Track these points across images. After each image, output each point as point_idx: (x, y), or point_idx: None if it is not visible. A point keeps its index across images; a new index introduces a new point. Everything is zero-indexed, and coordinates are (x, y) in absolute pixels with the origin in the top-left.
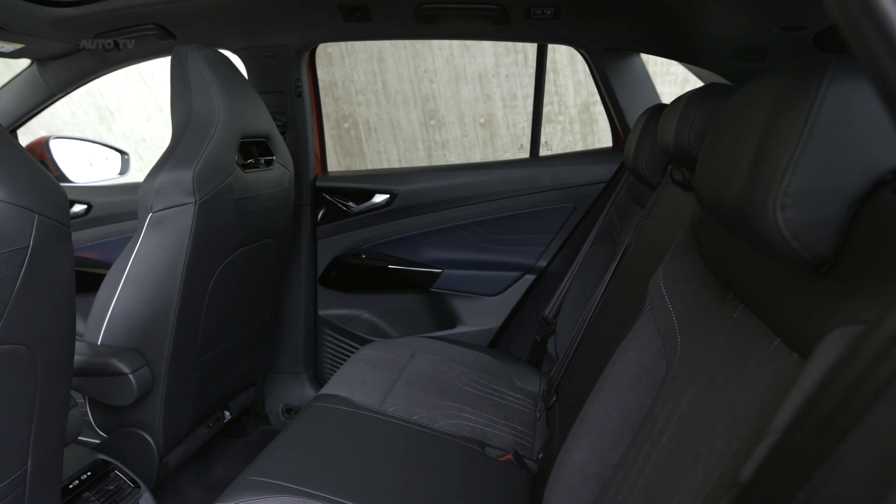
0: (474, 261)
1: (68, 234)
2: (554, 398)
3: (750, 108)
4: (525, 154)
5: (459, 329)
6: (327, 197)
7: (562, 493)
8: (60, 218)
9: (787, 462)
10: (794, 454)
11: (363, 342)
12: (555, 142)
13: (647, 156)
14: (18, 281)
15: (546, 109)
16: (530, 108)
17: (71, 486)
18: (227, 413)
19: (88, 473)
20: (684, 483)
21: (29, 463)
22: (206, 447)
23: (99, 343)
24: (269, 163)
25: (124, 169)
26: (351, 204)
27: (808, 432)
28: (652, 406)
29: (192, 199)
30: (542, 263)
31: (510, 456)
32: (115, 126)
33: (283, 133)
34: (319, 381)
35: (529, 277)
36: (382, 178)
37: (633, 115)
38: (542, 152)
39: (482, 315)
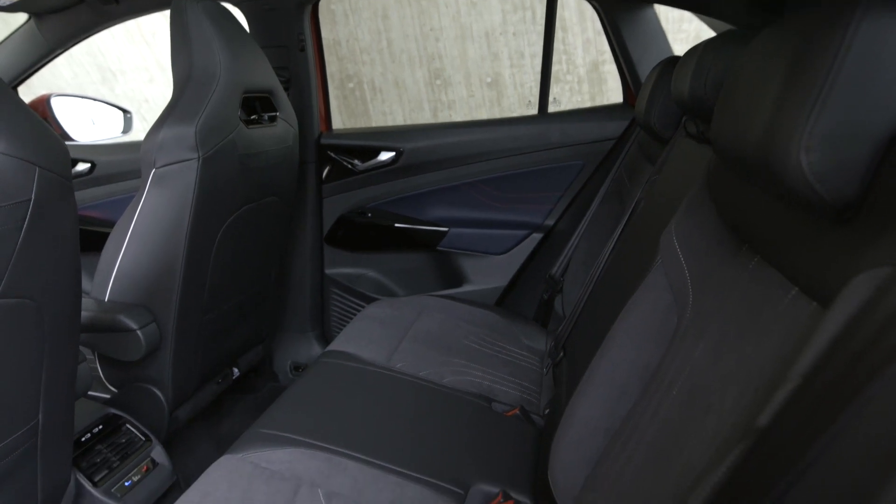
0: (481, 219)
1: (70, 189)
2: (561, 354)
3: (775, 47)
4: (533, 111)
5: (466, 288)
6: (332, 155)
7: (569, 446)
8: (62, 171)
9: (809, 408)
10: (816, 400)
11: (370, 301)
12: (562, 102)
13: (659, 109)
14: (22, 234)
15: (554, 69)
16: (538, 68)
17: (83, 439)
18: (235, 370)
19: (100, 427)
20: (694, 435)
21: (40, 416)
22: (216, 403)
23: (106, 300)
24: (272, 119)
25: (127, 128)
26: (356, 162)
27: (831, 377)
28: (661, 360)
29: (196, 155)
30: (550, 222)
31: (517, 411)
32: (118, 87)
33: (286, 89)
34: (327, 339)
35: (537, 236)
36: (388, 136)
37: (645, 69)
38: (552, 109)
39: (489, 274)
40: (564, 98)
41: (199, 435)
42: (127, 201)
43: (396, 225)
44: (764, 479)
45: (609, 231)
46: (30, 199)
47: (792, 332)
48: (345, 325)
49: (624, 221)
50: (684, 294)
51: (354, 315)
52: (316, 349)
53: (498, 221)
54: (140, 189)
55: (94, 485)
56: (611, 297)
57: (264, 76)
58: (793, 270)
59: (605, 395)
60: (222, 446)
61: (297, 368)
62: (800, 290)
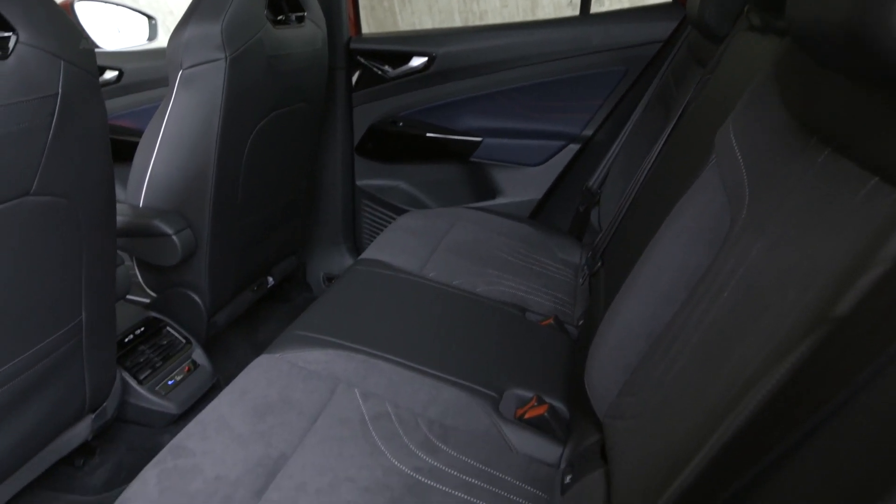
0: (516, 129)
1: (97, 85)
2: (599, 264)
3: None
4: (575, 11)
5: (500, 200)
6: (362, 60)
7: (607, 351)
8: (87, 66)
9: None
10: None
11: (401, 213)
12: (605, 3)
13: (715, 3)
14: (51, 131)
15: None
16: None
17: (126, 341)
18: (270, 278)
19: (142, 329)
20: (747, 335)
21: (83, 314)
22: (252, 310)
23: (140, 206)
24: (300, 19)
25: (152, 35)
26: (387, 68)
27: None
28: (712, 263)
29: (223, 55)
30: (588, 132)
31: (551, 321)
32: None
33: None
34: (358, 251)
35: (574, 147)
36: (420, 40)
37: None
38: (595, 10)
39: (523, 186)
40: (604, 7)
41: (237, 340)
42: (156, 110)
43: (428, 135)
44: (837, 373)
45: (651, 140)
46: (57, 94)
47: (869, 223)
48: (376, 238)
49: (671, 126)
50: (740, 193)
51: (386, 227)
52: (348, 260)
53: (534, 131)
54: (168, 92)
55: (140, 383)
56: (655, 204)
57: None
58: (873, 160)
59: (648, 299)
60: (259, 351)
61: (330, 280)
62: (881, 179)
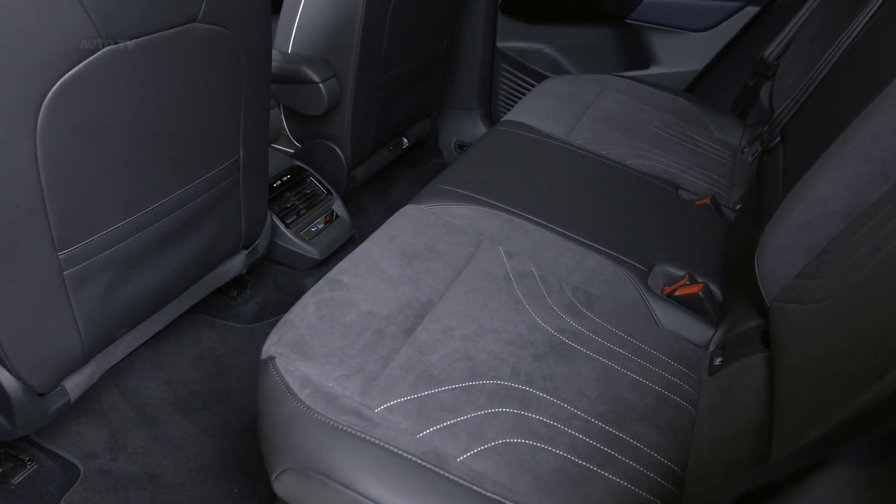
0: None
1: None
2: (777, 139)
3: None
4: None
5: (653, 70)
6: None
7: (790, 228)
8: None
9: None
10: None
11: (541, 80)
12: None
13: None
14: None
15: None
16: None
17: (274, 185)
18: (405, 139)
19: (288, 177)
20: None
21: (241, 152)
22: (385, 173)
23: (289, 52)
24: None
25: None
26: None
27: None
28: None
29: None
30: None
31: (707, 201)
32: None
33: None
34: (492, 119)
35: (752, 10)
36: None
37: None
38: None
39: (683, 54)
40: None
41: (371, 199)
42: None
43: None
44: None
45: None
46: None
47: None
48: (512, 106)
49: None
50: None
51: (523, 96)
52: (481, 128)
53: None
54: None
55: (287, 226)
56: (868, 70)
57: None
58: None
59: (855, 172)
60: (391, 212)
61: (462, 147)
62: None
